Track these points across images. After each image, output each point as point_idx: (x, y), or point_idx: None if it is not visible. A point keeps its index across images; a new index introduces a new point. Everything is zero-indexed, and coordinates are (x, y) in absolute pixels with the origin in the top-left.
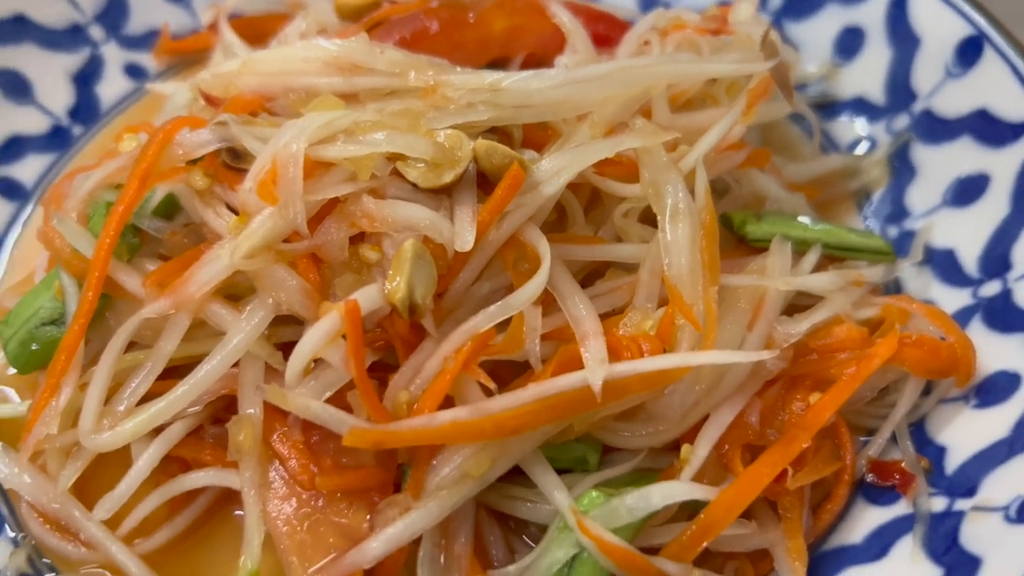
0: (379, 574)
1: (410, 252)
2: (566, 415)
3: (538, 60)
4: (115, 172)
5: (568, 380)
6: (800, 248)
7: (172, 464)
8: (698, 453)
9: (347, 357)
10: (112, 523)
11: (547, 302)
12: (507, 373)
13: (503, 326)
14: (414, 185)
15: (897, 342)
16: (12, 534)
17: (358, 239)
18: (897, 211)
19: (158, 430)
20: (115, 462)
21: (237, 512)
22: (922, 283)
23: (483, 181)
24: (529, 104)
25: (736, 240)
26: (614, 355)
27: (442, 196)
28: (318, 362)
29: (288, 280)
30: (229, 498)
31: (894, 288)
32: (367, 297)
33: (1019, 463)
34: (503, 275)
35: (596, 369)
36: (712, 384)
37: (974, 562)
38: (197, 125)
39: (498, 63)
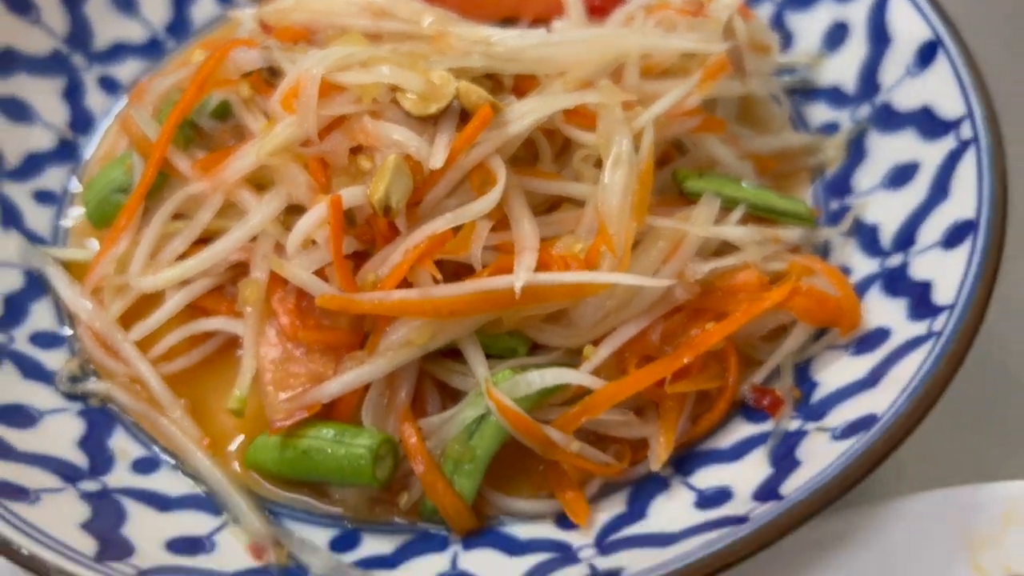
0: (336, 409)
1: (392, 164)
2: (492, 308)
3: (542, 23)
4: (184, 79)
5: (497, 281)
6: (731, 206)
7: (196, 311)
8: (599, 353)
9: (328, 238)
10: (143, 348)
11: (503, 222)
12: (463, 272)
13: None
14: (407, 112)
15: (790, 291)
16: (70, 347)
17: (357, 150)
18: (842, 188)
19: (187, 282)
20: (151, 305)
21: (238, 352)
22: (847, 251)
23: (465, 116)
24: (516, 58)
25: (679, 193)
26: (544, 268)
27: (428, 124)
28: (313, 243)
29: (299, 176)
30: (234, 343)
31: (823, 253)
32: (351, 195)
33: (862, 398)
34: (469, 195)
35: (520, 275)
36: (623, 302)
37: (795, 465)
38: (250, 46)
39: (507, 23)
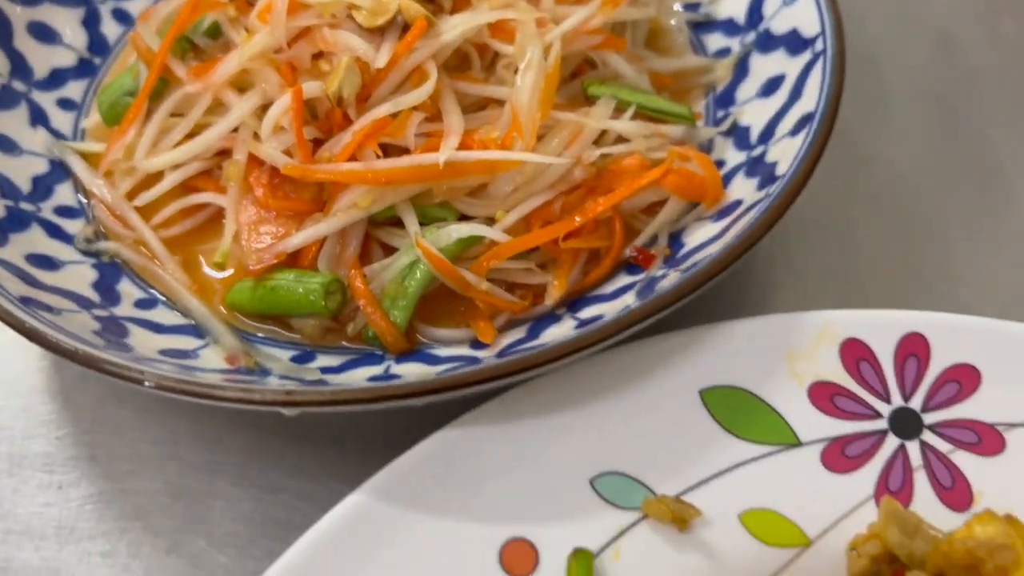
0: (298, 259)
1: (345, 64)
2: (422, 179)
3: None
4: (183, 4)
5: (426, 156)
6: (625, 107)
7: (189, 189)
8: (509, 217)
9: (291, 121)
10: (146, 218)
11: (436, 116)
12: (401, 153)
13: None
14: (359, 25)
15: (664, 171)
16: (86, 216)
17: (318, 56)
18: (728, 100)
19: (182, 165)
20: (153, 183)
21: (223, 221)
22: (724, 148)
23: (407, 29)
24: None
25: (584, 98)
26: (465, 148)
27: (376, 34)
28: (282, 128)
29: (272, 77)
30: (220, 215)
31: (707, 150)
32: (311, 87)
33: (710, 247)
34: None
35: (445, 152)
36: (531, 179)
37: (651, 287)
38: None
39: None
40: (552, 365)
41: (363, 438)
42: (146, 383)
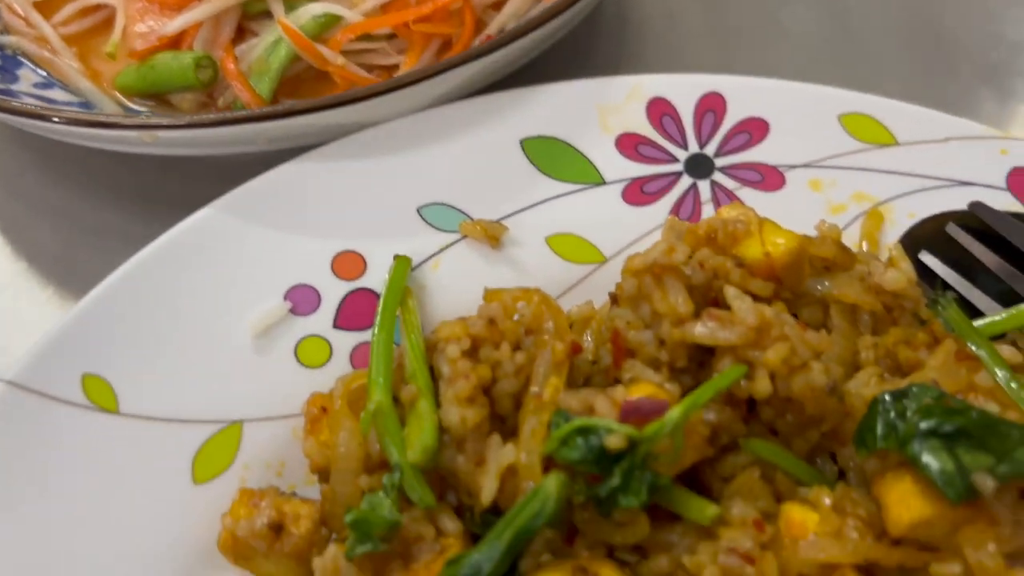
0: (179, 44)
1: None
2: None
3: None
4: None
5: None
6: None
7: None
8: (368, 4)
9: None
10: (47, 17)
11: None
12: None
13: None
14: None
15: None
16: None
17: None
18: None
19: None
20: None
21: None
22: None
23: None
24: None
25: None
26: None
27: None
28: None
29: None
30: (114, 16)
31: None
32: None
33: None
34: None
35: None
36: None
37: None
38: None
39: None
40: (385, 97)
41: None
42: (55, 119)
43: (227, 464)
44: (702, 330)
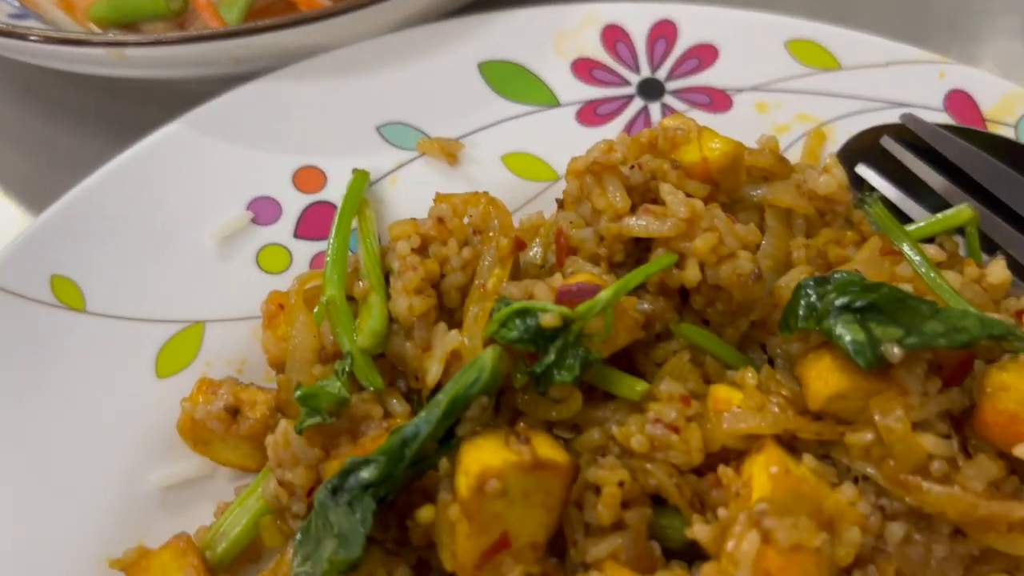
0: None
1: None
2: None
3: None
4: None
5: None
6: None
7: None
8: None
9: None
10: None
11: None
12: None
13: None
14: None
15: None
16: None
17: None
18: None
19: None
20: None
21: None
22: None
23: None
24: None
25: None
26: None
27: None
28: None
29: None
30: None
31: None
32: None
33: None
34: None
35: None
36: None
37: None
38: None
39: None
40: (346, 17)
41: None
42: (31, 37)
43: (189, 360)
44: (637, 223)
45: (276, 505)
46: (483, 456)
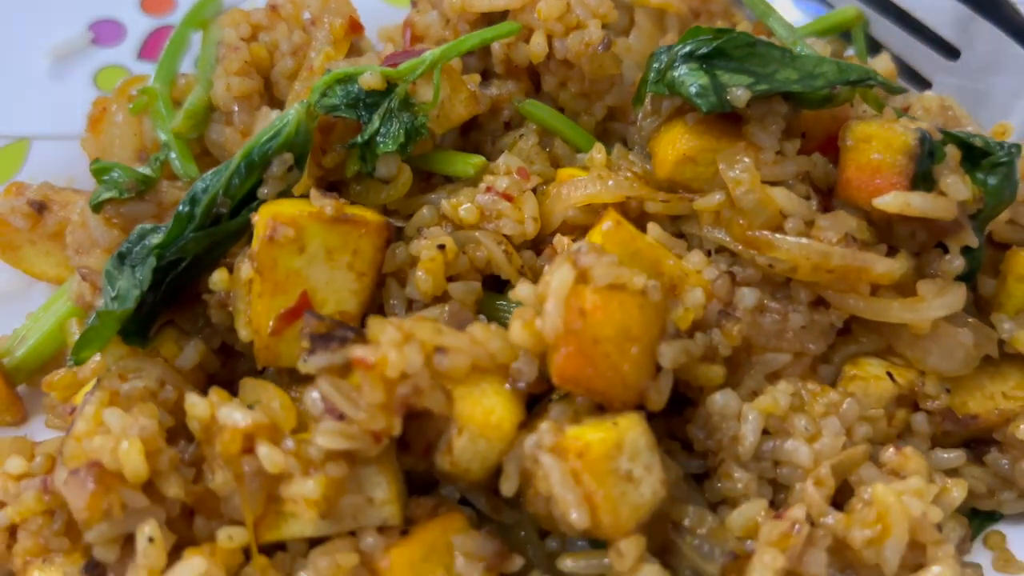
0: None
1: None
2: None
3: None
4: None
5: None
6: None
7: None
8: None
9: None
10: None
11: None
12: None
13: None
14: None
15: None
16: None
17: None
18: None
19: None
20: None
21: None
22: None
23: None
24: None
25: None
26: None
27: None
28: None
29: None
30: None
31: None
32: None
33: None
34: None
35: None
36: None
37: None
38: None
39: None
40: None
41: None
42: None
43: (10, 175)
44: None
45: (81, 303)
46: (279, 207)
